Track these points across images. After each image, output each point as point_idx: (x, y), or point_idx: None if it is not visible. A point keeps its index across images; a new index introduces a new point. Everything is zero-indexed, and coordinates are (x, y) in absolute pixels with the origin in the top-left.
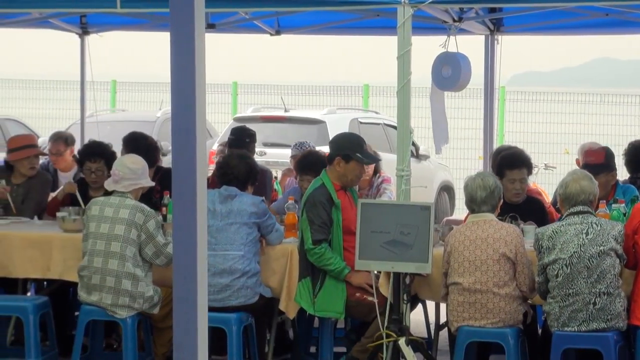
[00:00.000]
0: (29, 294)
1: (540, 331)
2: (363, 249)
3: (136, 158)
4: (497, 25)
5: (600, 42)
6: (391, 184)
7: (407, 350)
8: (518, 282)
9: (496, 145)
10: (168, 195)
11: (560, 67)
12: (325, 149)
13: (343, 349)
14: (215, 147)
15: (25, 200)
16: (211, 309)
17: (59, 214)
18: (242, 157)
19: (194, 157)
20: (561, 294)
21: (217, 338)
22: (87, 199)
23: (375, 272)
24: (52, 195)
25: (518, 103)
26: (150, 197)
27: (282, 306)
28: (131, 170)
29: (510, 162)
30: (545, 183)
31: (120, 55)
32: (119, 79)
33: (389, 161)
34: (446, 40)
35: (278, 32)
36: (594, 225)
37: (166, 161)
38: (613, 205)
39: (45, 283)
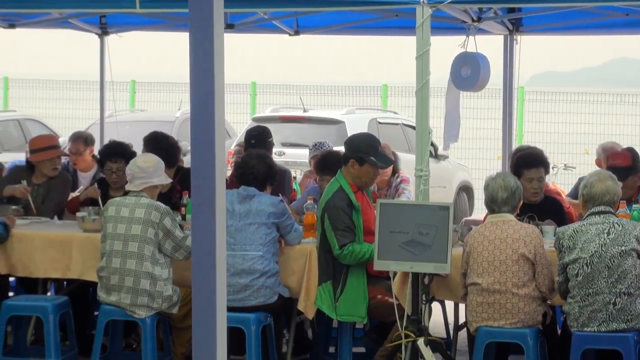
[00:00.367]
0: (49, 293)
1: (559, 331)
2: (382, 249)
3: (148, 157)
4: (516, 26)
5: (620, 42)
6: (410, 184)
7: (426, 351)
8: (537, 282)
9: (515, 145)
10: (187, 195)
11: (579, 67)
12: (342, 150)
13: (362, 349)
14: (233, 147)
15: (46, 200)
16: (230, 309)
17: (78, 214)
18: (260, 156)
19: (213, 157)
20: (581, 293)
21: (236, 338)
22: (107, 199)
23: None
24: (73, 195)
25: (537, 103)
26: (171, 197)
27: (300, 306)
28: (141, 169)
29: (527, 162)
30: (564, 183)
31: (139, 56)
32: (138, 79)
33: (407, 161)
34: (465, 40)
35: (297, 32)
36: (616, 226)
37: (186, 161)
38: (634, 205)
39: (65, 283)
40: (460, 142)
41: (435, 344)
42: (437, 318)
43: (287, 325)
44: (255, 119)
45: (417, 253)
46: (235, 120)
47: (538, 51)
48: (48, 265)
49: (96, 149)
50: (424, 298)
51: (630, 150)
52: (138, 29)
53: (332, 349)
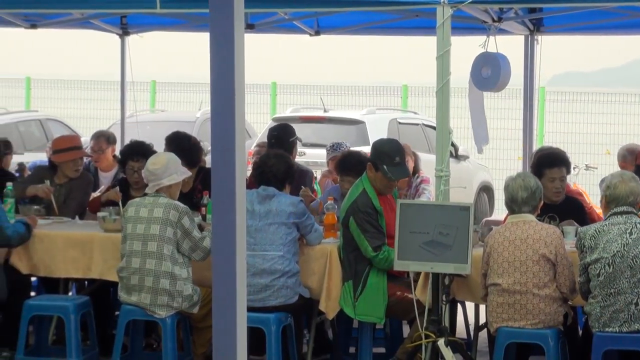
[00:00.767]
0: (70, 293)
1: (580, 332)
2: (402, 250)
3: (158, 158)
4: (537, 26)
5: None
6: (430, 185)
7: (446, 351)
8: (558, 283)
9: (536, 145)
10: (207, 196)
11: (601, 68)
12: (363, 150)
13: (382, 350)
14: (254, 147)
15: (67, 200)
16: (250, 309)
17: (99, 214)
18: (279, 156)
19: (234, 157)
20: (602, 293)
21: (256, 338)
22: (128, 200)
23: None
24: (94, 195)
25: (558, 103)
26: (192, 197)
27: (322, 306)
28: (150, 172)
29: (549, 161)
30: (586, 184)
31: (160, 56)
32: (158, 80)
33: (428, 161)
34: (486, 41)
35: (317, 33)
36: (638, 226)
37: (206, 161)
38: None
39: (86, 283)
40: None
41: (455, 345)
42: (458, 318)
43: (308, 326)
44: (275, 119)
45: (437, 253)
46: (256, 121)
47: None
48: (69, 265)
49: (117, 149)
50: (444, 298)
51: None
52: (159, 29)
53: (352, 349)
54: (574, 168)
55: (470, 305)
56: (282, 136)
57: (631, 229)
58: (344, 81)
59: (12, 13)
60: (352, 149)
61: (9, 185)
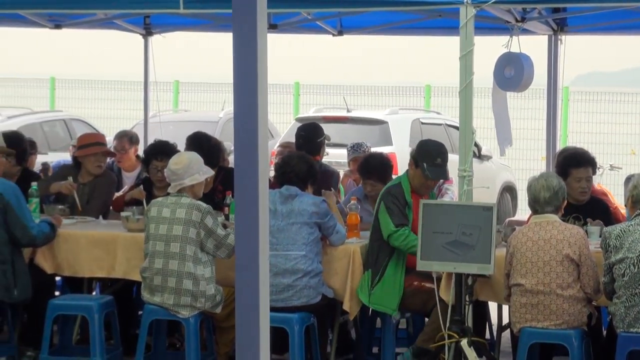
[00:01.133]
0: (94, 293)
1: (605, 332)
2: (425, 250)
3: (180, 158)
4: (560, 25)
5: None
6: (453, 185)
7: (469, 352)
8: (582, 283)
9: (560, 145)
10: (230, 195)
11: (624, 67)
12: (386, 150)
13: (405, 350)
14: (276, 148)
15: (91, 200)
16: (273, 309)
17: (123, 214)
18: (301, 156)
19: (256, 157)
20: (627, 293)
21: (279, 338)
22: (151, 199)
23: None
24: (118, 194)
25: (582, 103)
26: (213, 198)
27: (345, 306)
28: (172, 172)
29: (575, 161)
30: (610, 184)
31: (183, 56)
32: (181, 80)
33: (451, 162)
34: (509, 41)
35: (340, 33)
36: None
37: (230, 161)
38: None
39: (109, 282)
40: None
41: (478, 345)
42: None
43: (331, 326)
44: (298, 119)
45: (460, 254)
46: (279, 121)
47: (583, 51)
48: (93, 264)
49: (140, 149)
50: (467, 299)
51: None
52: (182, 30)
53: (375, 349)
54: (598, 168)
55: (493, 306)
56: (310, 136)
57: None
58: (367, 81)
59: (37, 13)
60: (372, 149)
61: (34, 185)
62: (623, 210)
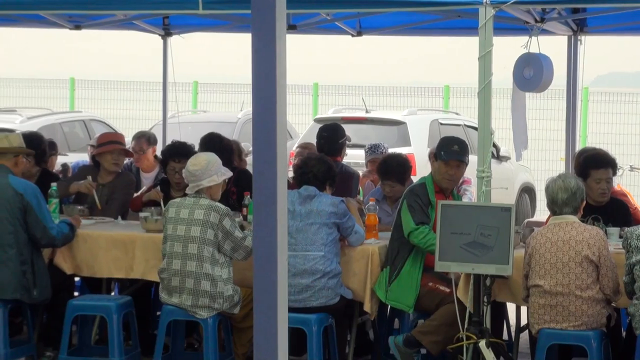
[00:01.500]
0: (112, 293)
1: (624, 334)
2: (443, 251)
3: (198, 159)
4: (580, 26)
5: None
6: (471, 185)
7: (487, 353)
8: (601, 285)
9: (579, 146)
10: (249, 196)
11: None
12: (404, 150)
13: (423, 350)
14: (295, 148)
15: (109, 200)
16: (291, 310)
17: (141, 214)
18: (320, 157)
19: (275, 158)
20: None
21: (297, 338)
22: (169, 200)
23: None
24: (136, 195)
25: (602, 104)
26: (227, 199)
27: (366, 307)
28: (190, 173)
29: (595, 162)
30: (630, 185)
31: (201, 57)
32: (200, 80)
33: (469, 162)
34: (528, 41)
35: (359, 33)
36: None
37: (248, 162)
38: None
39: (128, 283)
40: None
41: (496, 346)
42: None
43: (349, 327)
44: (317, 120)
45: (478, 254)
46: (298, 122)
47: (603, 51)
48: (112, 265)
49: (158, 149)
50: (485, 300)
51: None
52: (201, 30)
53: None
54: (618, 169)
55: (511, 307)
56: (332, 136)
57: None
58: (385, 82)
59: (57, 14)
60: (391, 150)
61: (53, 185)
62: None
